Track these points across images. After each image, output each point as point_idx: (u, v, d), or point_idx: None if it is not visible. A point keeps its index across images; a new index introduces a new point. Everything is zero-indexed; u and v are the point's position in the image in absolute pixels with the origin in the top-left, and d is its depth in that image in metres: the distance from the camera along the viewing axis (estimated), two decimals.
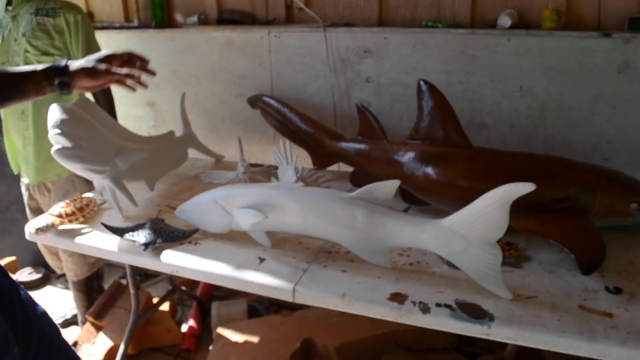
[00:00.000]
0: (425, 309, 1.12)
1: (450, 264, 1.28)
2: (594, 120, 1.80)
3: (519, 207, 1.08)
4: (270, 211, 1.32)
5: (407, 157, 1.54)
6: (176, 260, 1.36)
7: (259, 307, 2.42)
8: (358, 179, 1.80)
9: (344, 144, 1.75)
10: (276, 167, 1.96)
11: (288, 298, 1.23)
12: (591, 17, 1.79)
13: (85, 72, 1.33)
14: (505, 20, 1.80)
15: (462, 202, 1.43)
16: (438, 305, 1.13)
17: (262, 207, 1.33)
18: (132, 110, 2.49)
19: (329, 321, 1.99)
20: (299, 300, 1.22)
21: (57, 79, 1.29)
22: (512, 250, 1.32)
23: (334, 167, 1.92)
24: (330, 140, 1.80)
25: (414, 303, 1.14)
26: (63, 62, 1.32)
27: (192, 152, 2.05)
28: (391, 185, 1.23)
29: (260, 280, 1.26)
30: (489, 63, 1.84)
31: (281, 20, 2.19)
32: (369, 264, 1.28)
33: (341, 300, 1.17)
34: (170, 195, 1.79)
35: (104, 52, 1.41)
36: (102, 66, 1.35)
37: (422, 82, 1.53)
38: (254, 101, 2.10)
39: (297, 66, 2.09)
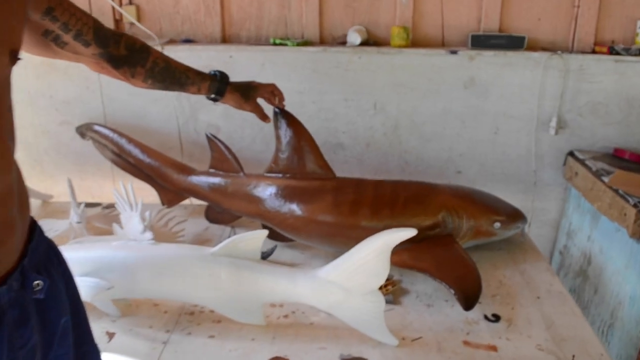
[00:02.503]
0: None
1: None
2: (446, 135, 1.83)
3: None
4: (116, 278, 1.12)
5: (267, 192, 1.41)
6: None
7: None
8: (214, 215, 1.63)
9: (195, 179, 1.56)
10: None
11: None
12: (436, 34, 1.82)
13: (239, 95, 1.35)
14: (354, 37, 1.75)
15: (330, 237, 1.36)
16: None
17: (105, 273, 1.12)
18: None
19: None
20: None
21: (214, 95, 1.33)
22: (388, 287, 1.26)
23: (186, 201, 1.72)
24: (179, 175, 1.60)
25: None
26: (226, 79, 1.33)
27: None
28: (258, 236, 1.11)
29: None
30: (341, 81, 1.79)
31: None
32: (239, 323, 1.15)
33: None
34: None
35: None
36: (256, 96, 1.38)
37: (277, 111, 1.41)
38: (84, 131, 1.81)
39: (132, 88, 1.84)
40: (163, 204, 1.66)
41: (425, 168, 1.87)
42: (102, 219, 1.62)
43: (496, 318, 1.18)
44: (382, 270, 1.02)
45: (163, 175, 1.63)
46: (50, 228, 1.56)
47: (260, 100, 1.40)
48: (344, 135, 1.86)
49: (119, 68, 1.13)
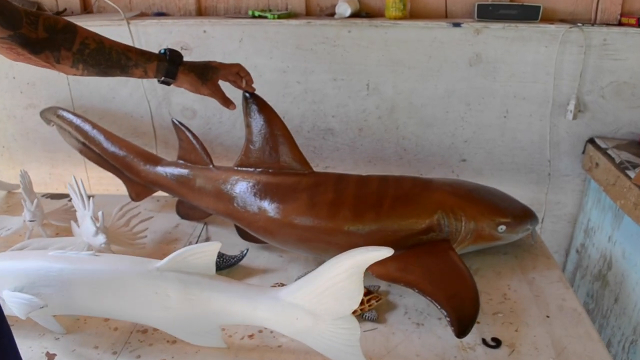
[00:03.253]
0: None
1: None
2: (448, 119, 1.63)
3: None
4: (52, 294, 0.97)
5: (238, 188, 1.23)
6: None
7: None
8: (186, 210, 1.48)
9: (162, 170, 1.40)
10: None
11: None
12: (437, 3, 1.60)
13: (195, 76, 1.15)
14: (344, 9, 1.54)
15: (307, 243, 1.18)
16: None
17: (40, 288, 0.97)
18: None
19: None
20: None
21: (164, 78, 1.13)
22: (372, 301, 1.08)
23: (159, 193, 1.55)
24: (145, 165, 1.43)
25: None
26: (177, 59, 1.13)
27: None
28: (211, 249, 0.93)
29: None
30: (329, 59, 1.58)
31: (75, 10, 1.74)
32: (197, 345, 0.99)
33: None
34: None
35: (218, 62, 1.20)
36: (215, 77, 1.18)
37: (247, 95, 1.22)
38: (48, 116, 1.64)
39: None
40: (131, 197, 1.50)
41: (426, 156, 1.67)
42: (61, 215, 1.46)
43: (496, 343, 0.99)
44: (354, 293, 0.84)
45: (129, 166, 1.47)
46: (4, 226, 1.41)
47: (227, 85, 1.21)
48: (333, 119, 1.67)
49: (39, 53, 0.96)
